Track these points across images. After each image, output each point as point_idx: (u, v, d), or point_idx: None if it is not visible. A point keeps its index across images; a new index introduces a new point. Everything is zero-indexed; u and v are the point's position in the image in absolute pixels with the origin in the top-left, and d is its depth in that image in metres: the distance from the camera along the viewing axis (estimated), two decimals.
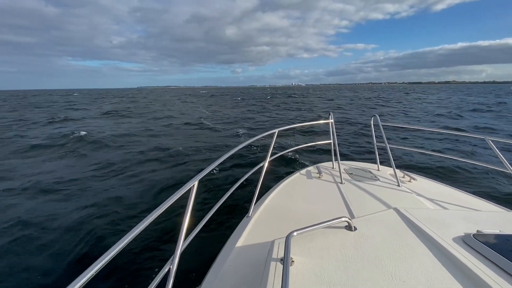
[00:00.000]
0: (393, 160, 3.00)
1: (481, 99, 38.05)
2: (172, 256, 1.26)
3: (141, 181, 6.14)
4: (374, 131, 3.51)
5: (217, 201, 2.05)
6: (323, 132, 11.40)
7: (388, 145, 3.12)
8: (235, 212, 4.44)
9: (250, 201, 2.33)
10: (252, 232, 2.01)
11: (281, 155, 3.39)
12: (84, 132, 11.96)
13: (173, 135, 12.07)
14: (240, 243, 1.86)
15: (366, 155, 8.48)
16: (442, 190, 2.94)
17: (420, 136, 11.16)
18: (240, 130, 12.80)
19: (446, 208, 2.38)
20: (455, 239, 1.15)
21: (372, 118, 3.51)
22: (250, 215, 2.26)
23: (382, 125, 3.28)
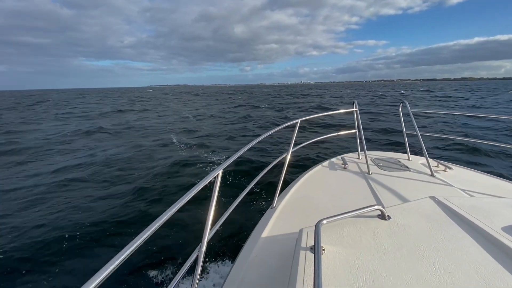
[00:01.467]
0: (426, 149, 2.85)
1: None
2: (200, 244, 1.25)
3: None
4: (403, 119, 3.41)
5: (241, 191, 1.99)
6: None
7: (419, 133, 2.97)
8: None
9: (273, 192, 2.29)
10: (277, 223, 1.99)
11: (304, 146, 3.19)
12: None
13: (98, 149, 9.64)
14: (265, 234, 1.85)
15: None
16: (484, 180, 2.74)
17: None
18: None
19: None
20: (506, 229, 1.06)
21: (401, 105, 3.31)
22: (274, 206, 2.22)
23: (413, 112, 3.13)
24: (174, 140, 10.49)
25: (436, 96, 38.67)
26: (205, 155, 8.06)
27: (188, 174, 6.37)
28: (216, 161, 7.31)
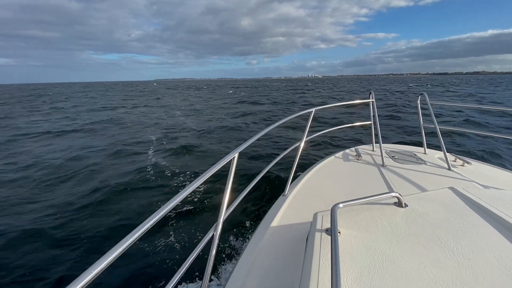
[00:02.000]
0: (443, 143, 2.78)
1: None
2: (216, 223, 1.28)
3: None
4: (421, 111, 3.27)
5: (255, 176, 1.96)
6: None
7: (438, 126, 2.86)
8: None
9: (286, 180, 2.29)
10: (288, 210, 2.01)
11: (318, 136, 3.07)
12: None
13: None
14: (276, 220, 1.87)
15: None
16: (505, 175, 2.64)
17: None
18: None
19: None
20: None
21: (419, 97, 3.26)
22: (286, 194, 2.24)
23: (431, 103, 3.04)
24: (150, 147, 8.71)
25: (449, 91, 36.07)
26: (177, 171, 6.06)
27: (127, 213, 4.30)
28: (183, 185, 5.51)
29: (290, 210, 2.00)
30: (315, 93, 37.26)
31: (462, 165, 2.83)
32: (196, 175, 5.75)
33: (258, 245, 1.60)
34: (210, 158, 7.36)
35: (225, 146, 8.86)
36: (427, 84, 62.91)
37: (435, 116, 2.93)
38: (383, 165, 2.80)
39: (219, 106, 22.23)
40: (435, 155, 3.16)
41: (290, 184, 2.31)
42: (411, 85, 59.27)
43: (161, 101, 28.92)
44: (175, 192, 4.85)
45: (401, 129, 11.09)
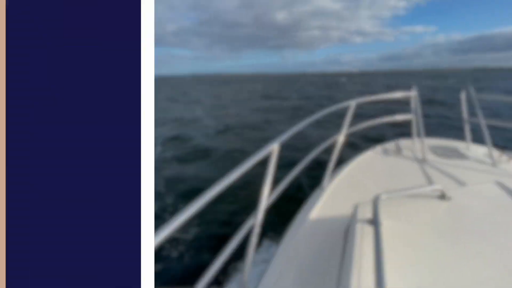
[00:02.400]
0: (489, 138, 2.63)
1: None
2: (256, 213, 1.27)
3: None
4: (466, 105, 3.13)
5: (292, 170, 1.92)
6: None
7: (483, 121, 2.71)
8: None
9: (323, 173, 2.24)
10: (326, 203, 1.99)
11: (356, 130, 2.86)
12: None
13: None
14: (314, 213, 1.86)
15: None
16: None
17: None
18: None
19: None
20: None
21: (464, 91, 3.14)
22: (323, 186, 2.22)
23: (478, 98, 2.90)
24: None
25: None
26: (169, 199, 4.68)
27: None
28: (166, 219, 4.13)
29: (327, 203, 1.98)
30: (353, 87, 34.55)
31: (508, 161, 2.68)
32: (191, 198, 4.28)
33: (295, 236, 1.59)
34: (220, 170, 5.82)
35: (240, 151, 7.30)
36: (467, 80, 56.33)
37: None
38: (424, 160, 2.74)
39: (244, 103, 20.93)
40: (479, 150, 3.06)
41: (328, 177, 2.25)
42: (450, 81, 53.66)
43: (188, 96, 28.33)
44: None
45: (440, 126, 10.32)
